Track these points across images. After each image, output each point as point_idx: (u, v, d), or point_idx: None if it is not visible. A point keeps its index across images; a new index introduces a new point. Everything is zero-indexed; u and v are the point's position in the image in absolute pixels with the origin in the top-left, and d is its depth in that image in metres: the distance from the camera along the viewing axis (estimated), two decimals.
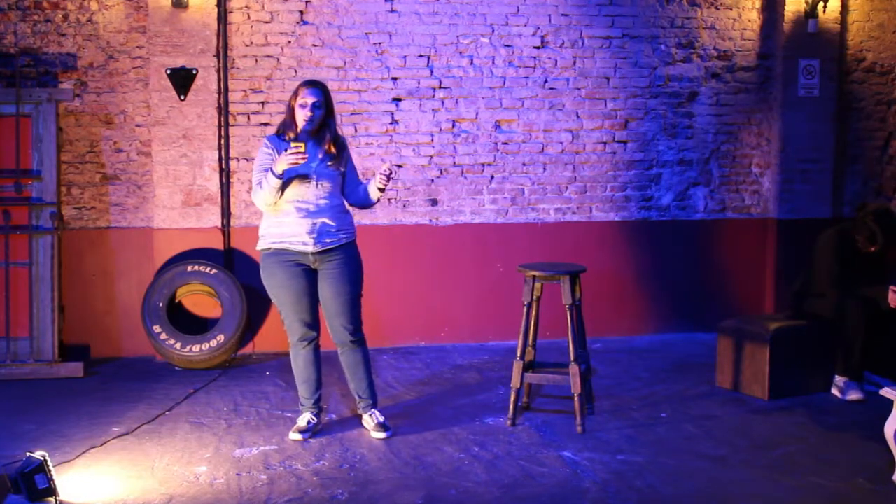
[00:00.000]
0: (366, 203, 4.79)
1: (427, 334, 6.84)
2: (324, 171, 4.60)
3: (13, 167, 6.07)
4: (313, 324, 4.74)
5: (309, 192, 4.57)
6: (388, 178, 4.61)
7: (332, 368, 5.77)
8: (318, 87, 4.61)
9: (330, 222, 4.61)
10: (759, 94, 7.24)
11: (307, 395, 4.82)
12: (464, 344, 6.84)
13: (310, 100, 4.55)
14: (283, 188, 4.50)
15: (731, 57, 7.16)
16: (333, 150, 4.64)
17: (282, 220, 4.59)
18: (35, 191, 6.08)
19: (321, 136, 4.63)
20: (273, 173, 4.42)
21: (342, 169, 4.69)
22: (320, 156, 4.61)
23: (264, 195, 4.50)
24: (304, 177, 4.54)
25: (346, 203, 4.78)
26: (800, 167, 7.23)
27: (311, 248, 4.59)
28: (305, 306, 4.67)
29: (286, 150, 4.38)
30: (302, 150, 4.35)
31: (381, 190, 4.67)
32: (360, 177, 4.96)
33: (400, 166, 6.73)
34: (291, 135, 4.56)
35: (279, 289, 4.64)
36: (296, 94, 4.60)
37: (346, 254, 4.68)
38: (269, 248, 4.64)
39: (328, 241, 4.61)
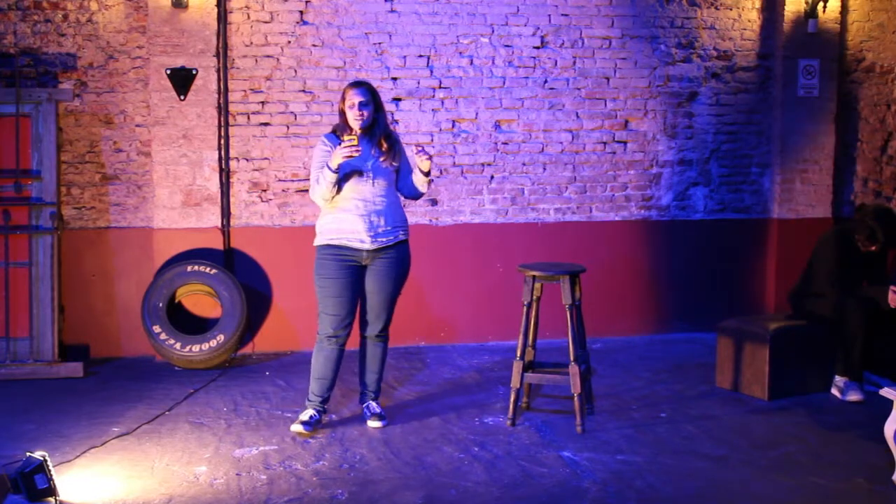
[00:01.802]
0: (415, 194, 4.89)
1: (427, 334, 6.84)
2: (379, 168, 4.71)
3: (13, 167, 6.07)
4: (348, 323, 4.80)
5: (366, 190, 4.68)
6: (429, 158, 4.67)
7: None
8: (363, 86, 4.73)
9: (387, 219, 4.73)
10: (759, 94, 7.24)
11: (318, 393, 4.85)
12: (464, 344, 6.84)
13: (357, 99, 4.66)
14: (339, 184, 4.61)
15: (731, 57, 7.16)
16: (386, 145, 4.73)
17: (340, 217, 4.70)
18: (35, 191, 6.08)
19: (373, 132, 4.73)
20: (329, 168, 4.53)
21: (395, 164, 4.79)
22: (374, 153, 4.71)
23: (321, 190, 4.62)
24: (360, 174, 4.66)
25: (400, 199, 4.89)
26: (800, 167, 7.23)
27: (367, 246, 4.70)
28: (346, 302, 4.75)
29: (339, 145, 4.50)
30: (355, 143, 4.48)
31: (426, 174, 4.75)
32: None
33: None
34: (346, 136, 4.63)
35: (327, 279, 4.73)
36: (343, 97, 4.72)
37: (398, 253, 4.82)
38: (327, 243, 4.73)
39: (384, 239, 4.73)
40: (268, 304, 6.61)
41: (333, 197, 4.66)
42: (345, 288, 4.73)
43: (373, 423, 4.90)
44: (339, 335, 4.79)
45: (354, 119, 4.66)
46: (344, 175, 4.62)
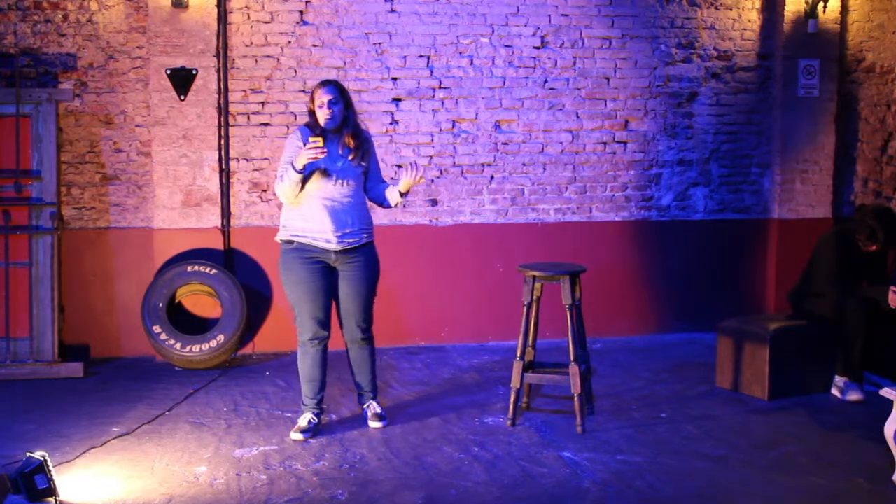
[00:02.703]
0: (383, 203, 4.84)
1: (427, 334, 6.84)
2: (347, 168, 4.66)
3: (13, 167, 6.07)
4: (326, 323, 4.77)
5: (334, 190, 4.63)
6: (415, 176, 4.60)
7: (331, 368, 5.76)
8: (331, 84, 4.67)
9: (353, 221, 4.68)
10: (759, 94, 7.24)
11: (310, 395, 4.83)
12: (464, 344, 6.84)
13: (326, 98, 4.60)
14: (304, 182, 4.57)
15: (731, 57, 7.16)
16: (353, 143, 4.67)
17: (305, 214, 4.64)
18: (35, 191, 6.08)
19: (342, 131, 4.67)
20: (293, 168, 4.48)
21: (364, 163, 4.73)
22: (342, 152, 4.66)
23: (285, 188, 4.58)
24: (328, 174, 4.60)
25: (366, 201, 4.84)
26: (800, 167, 7.23)
27: (333, 247, 4.65)
28: (321, 305, 4.71)
29: (306, 145, 4.45)
30: (320, 144, 4.42)
31: (403, 194, 4.72)
32: (384, 175, 4.97)
33: (399, 166, 6.73)
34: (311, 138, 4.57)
35: (297, 284, 4.68)
36: (312, 97, 4.68)
37: (366, 255, 4.77)
38: (292, 242, 4.69)
39: (350, 240, 4.68)
40: (268, 304, 6.61)
41: (297, 195, 4.60)
42: (318, 291, 4.68)
43: (374, 424, 4.89)
44: (320, 336, 4.76)
45: (324, 118, 4.60)
46: (312, 171, 4.56)
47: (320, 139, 4.46)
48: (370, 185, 4.82)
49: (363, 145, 4.73)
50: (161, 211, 6.40)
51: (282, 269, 4.74)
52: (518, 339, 4.91)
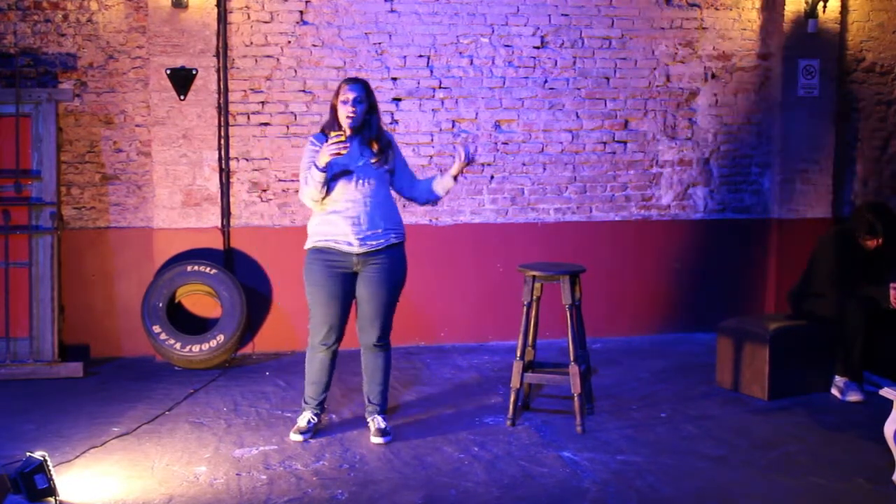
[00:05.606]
0: (428, 198, 4.75)
1: (427, 334, 6.84)
2: (369, 169, 4.55)
3: (13, 167, 6.07)
4: (338, 330, 4.66)
5: (355, 191, 4.51)
6: (468, 159, 4.58)
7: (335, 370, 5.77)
8: (358, 83, 4.57)
9: (377, 222, 4.55)
10: (759, 94, 7.24)
11: (313, 396, 4.80)
12: (464, 344, 6.84)
13: (350, 95, 4.50)
14: (328, 184, 4.46)
15: (730, 57, 7.16)
16: (376, 147, 4.59)
17: (329, 219, 4.54)
18: (35, 191, 6.08)
19: (363, 134, 4.58)
20: (316, 167, 4.38)
21: (388, 166, 4.63)
22: (363, 153, 4.57)
23: (310, 191, 4.47)
24: (349, 174, 4.50)
25: (394, 200, 4.73)
26: (800, 167, 7.23)
27: (356, 249, 4.53)
28: (336, 310, 4.61)
29: (326, 142, 4.34)
30: (343, 139, 4.31)
31: (455, 178, 4.65)
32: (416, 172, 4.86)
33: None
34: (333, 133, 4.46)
35: (315, 286, 4.60)
36: (337, 92, 4.57)
37: (391, 257, 4.62)
38: (315, 246, 4.61)
39: (373, 242, 4.55)
40: (268, 304, 6.61)
41: (323, 198, 4.49)
42: (332, 297, 4.58)
43: (376, 440, 4.68)
44: (328, 343, 4.67)
45: (346, 115, 4.49)
46: (333, 175, 4.46)
47: (343, 134, 4.35)
48: (404, 185, 4.73)
49: (386, 150, 4.62)
50: (161, 211, 6.40)
51: (305, 272, 4.65)
52: (518, 339, 4.91)
